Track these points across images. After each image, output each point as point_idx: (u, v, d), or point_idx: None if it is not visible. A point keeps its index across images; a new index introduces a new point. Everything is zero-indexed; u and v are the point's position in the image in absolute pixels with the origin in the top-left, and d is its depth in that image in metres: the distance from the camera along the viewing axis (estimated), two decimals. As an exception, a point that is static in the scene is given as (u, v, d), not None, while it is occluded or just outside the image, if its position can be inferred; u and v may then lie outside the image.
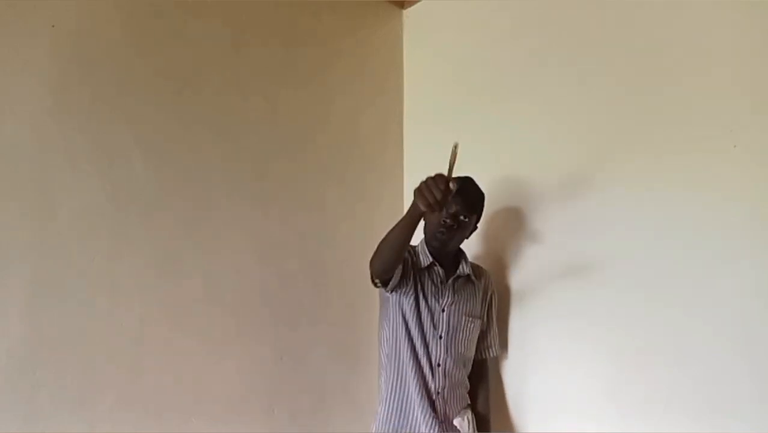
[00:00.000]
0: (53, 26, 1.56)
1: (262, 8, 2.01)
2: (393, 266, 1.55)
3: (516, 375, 1.91)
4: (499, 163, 2.01)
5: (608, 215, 1.66)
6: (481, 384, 1.82)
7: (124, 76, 1.67)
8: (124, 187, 1.64)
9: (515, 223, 1.93)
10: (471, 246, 2.08)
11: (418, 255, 1.72)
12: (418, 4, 2.44)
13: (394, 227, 1.48)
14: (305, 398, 1.96)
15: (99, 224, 1.59)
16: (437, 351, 1.66)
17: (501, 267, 1.97)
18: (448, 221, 1.62)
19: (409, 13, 2.48)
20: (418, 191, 1.24)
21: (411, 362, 1.65)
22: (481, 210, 1.74)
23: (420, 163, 2.34)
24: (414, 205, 1.31)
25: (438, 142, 2.24)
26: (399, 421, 1.64)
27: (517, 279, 1.92)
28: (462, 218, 1.64)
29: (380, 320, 1.76)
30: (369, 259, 1.68)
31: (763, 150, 1.36)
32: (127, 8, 1.70)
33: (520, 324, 1.90)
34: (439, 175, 1.23)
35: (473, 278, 1.76)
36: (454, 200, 1.57)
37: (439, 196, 1.20)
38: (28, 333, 1.45)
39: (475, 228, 1.77)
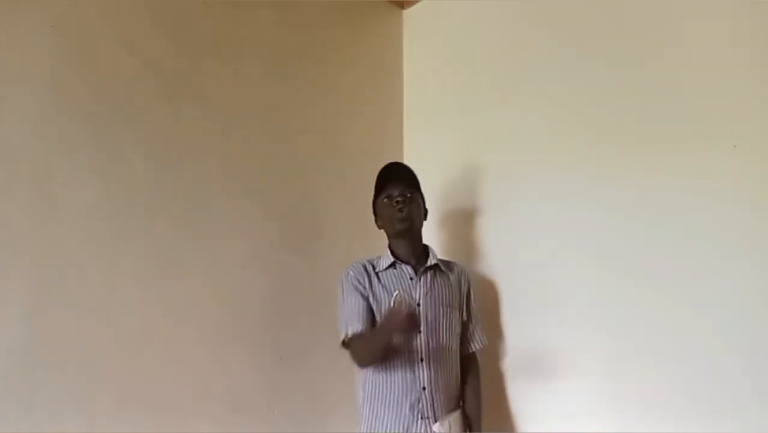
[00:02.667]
0: (53, 26, 1.56)
1: (262, 9, 2.01)
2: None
3: (512, 374, 1.91)
4: (499, 162, 2.01)
5: (608, 214, 1.66)
6: (470, 380, 1.78)
7: (124, 76, 1.67)
8: (124, 187, 1.64)
9: (515, 220, 1.93)
10: (468, 243, 2.08)
11: (374, 264, 1.74)
12: (418, 4, 2.44)
13: (374, 341, 1.58)
14: (305, 398, 1.96)
15: (99, 224, 1.59)
16: (418, 346, 1.63)
17: (496, 264, 1.97)
18: (398, 200, 1.69)
19: (409, 13, 2.49)
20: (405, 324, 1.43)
21: (389, 365, 1.62)
22: (420, 186, 1.79)
23: (420, 163, 2.33)
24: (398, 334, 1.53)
25: (438, 141, 2.27)
26: (388, 422, 1.62)
27: (514, 277, 1.92)
28: (408, 194, 1.71)
29: None
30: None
31: (763, 150, 1.36)
32: (127, 8, 1.70)
33: (516, 322, 1.90)
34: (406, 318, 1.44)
35: (443, 268, 1.76)
36: (391, 184, 1.72)
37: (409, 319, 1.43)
38: (28, 333, 1.45)
39: (426, 210, 1.81)
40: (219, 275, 1.81)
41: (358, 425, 1.71)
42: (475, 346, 1.82)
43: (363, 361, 1.64)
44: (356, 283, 1.68)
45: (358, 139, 2.26)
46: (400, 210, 1.68)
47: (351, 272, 1.70)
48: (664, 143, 1.55)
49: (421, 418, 1.61)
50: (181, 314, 1.72)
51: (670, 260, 1.51)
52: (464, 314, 1.79)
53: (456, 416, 1.68)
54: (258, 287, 1.90)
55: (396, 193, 1.70)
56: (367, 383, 1.67)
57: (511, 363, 1.92)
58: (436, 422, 1.61)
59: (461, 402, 1.74)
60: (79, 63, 1.60)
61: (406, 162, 2.38)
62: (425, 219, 1.81)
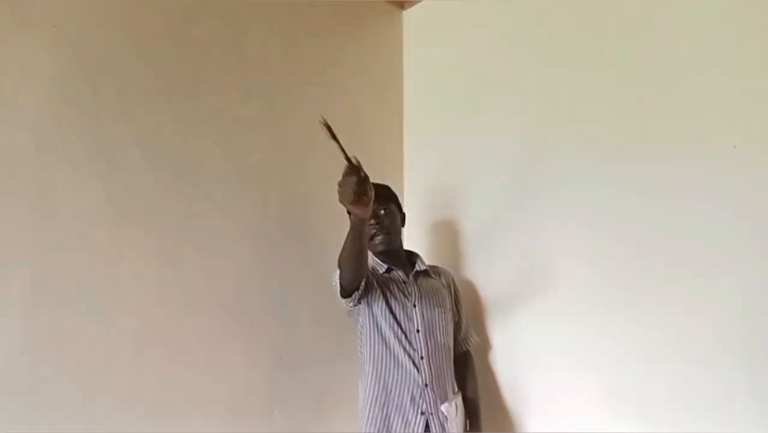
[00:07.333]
0: (53, 26, 1.56)
1: (262, 8, 2.01)
2: (360, 274, 1.60)
3: (509, 375, 1.92)
4: (498, 162, 2.01)
5: (608, 214, 1.66)
6: (467, 374, 1.87)
7: (124, 76, 1.67)
8: (124, 187, 1.64)
9: (514, 220, 1.93)
10: (467, 242, 2.08)
11: (375, 268, 1.79)
12: (418, 4, 2.44)
13: (344, 244, 1.52)
14: (305, 398, 1.96)
15: (99, 224, 1.59)
16: (418, 345, 1.70)
17: (494, 267, 1.97)
18: (372, 221, 1.72)
19: (409, 14, 2.49)
20: (344, 195, 1.29)
21: (396, 359, 1.68)
22: (395, 196, 1.83)
23: (420, 163, 2.34)
24: (351, 214, 1.44)
25: (438, 142, 2.27)
26: (390, 416, 1.66)
27: (514, 280, 1.92)
28: (382, 212, 1.75)
29: (358, 331, 1.77)
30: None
31: (763, 150, 1.36)
32: (127, 8, 1.70)
33: (515, 325, 1.90)
34: (345, 174, 1.30)
35: (432, 273, 1.86)
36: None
37: (356, 179, 1.26)
38: (28, 333, 1.45)
39: (404, 216, 1.86)
40: (219, 274, 1.81)
41: (359, 420, 1.72)
42: (469, 344, 1.91)
43: (345, 268, 1.56)
44: None
45: (357, 139, 2.25)
46: (376, 232, 1.74)
47: None
48: (664, 144, 1.55)
49: (421, 413, 1.65)
50: (181, 314, 1.72)
51: (669, 260, 1.51)
52: (455, 315, 1.87)
53: (459, 399, 1.75)
54: (258, 286, 1.90)
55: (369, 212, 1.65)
56: (370, 380, 1.70)
57: (506, 363, 1.92)
58: (435, 415, 1.65)
59: (461, 390, 1.81)
60: (79, 63, 1.60)
61: (405, 162, 2.40)
62: (403, 225, 1.86)
